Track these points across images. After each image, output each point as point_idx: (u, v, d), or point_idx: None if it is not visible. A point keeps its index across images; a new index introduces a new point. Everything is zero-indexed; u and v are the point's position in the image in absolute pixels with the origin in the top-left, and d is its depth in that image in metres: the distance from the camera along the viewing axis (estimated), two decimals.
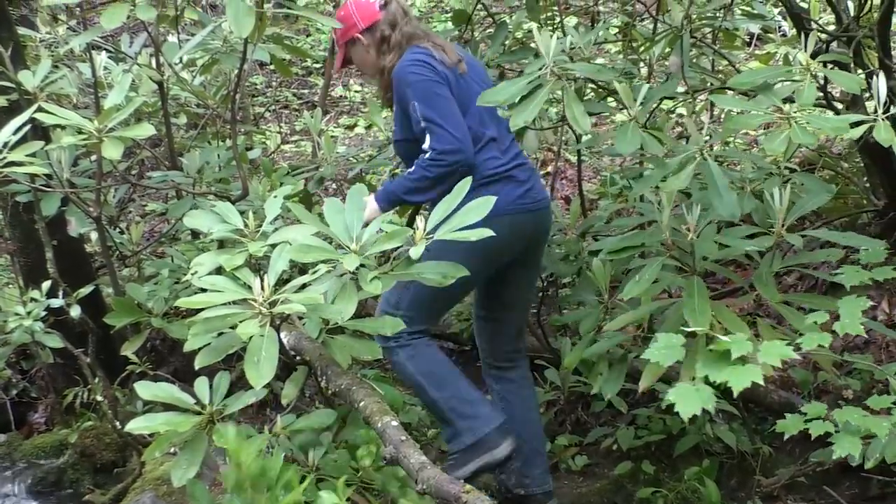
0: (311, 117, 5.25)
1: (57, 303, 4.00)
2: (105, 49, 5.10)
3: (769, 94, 3.27)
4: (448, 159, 3.66)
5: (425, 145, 3.73)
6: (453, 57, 3.89)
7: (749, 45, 8.63)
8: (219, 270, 3.08)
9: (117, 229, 5.48)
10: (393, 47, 3.95)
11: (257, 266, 3.12)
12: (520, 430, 4.05)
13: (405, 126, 3.86)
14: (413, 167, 3.75)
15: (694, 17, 4.18)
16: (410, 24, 4.01)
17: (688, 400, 2.74)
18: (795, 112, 3.13)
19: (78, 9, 5.38)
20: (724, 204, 3.28)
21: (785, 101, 3.24)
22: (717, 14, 4.46)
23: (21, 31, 4.88)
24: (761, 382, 2.69)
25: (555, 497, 4.23)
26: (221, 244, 3.66)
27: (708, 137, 3.51)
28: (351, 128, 9.86)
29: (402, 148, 4.02)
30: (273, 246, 3.06)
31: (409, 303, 3.75)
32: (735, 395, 2.73)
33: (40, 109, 3.32)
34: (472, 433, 3.74)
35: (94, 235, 4.80)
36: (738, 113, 3.33)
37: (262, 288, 2.85)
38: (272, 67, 5.18)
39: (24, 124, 3.32)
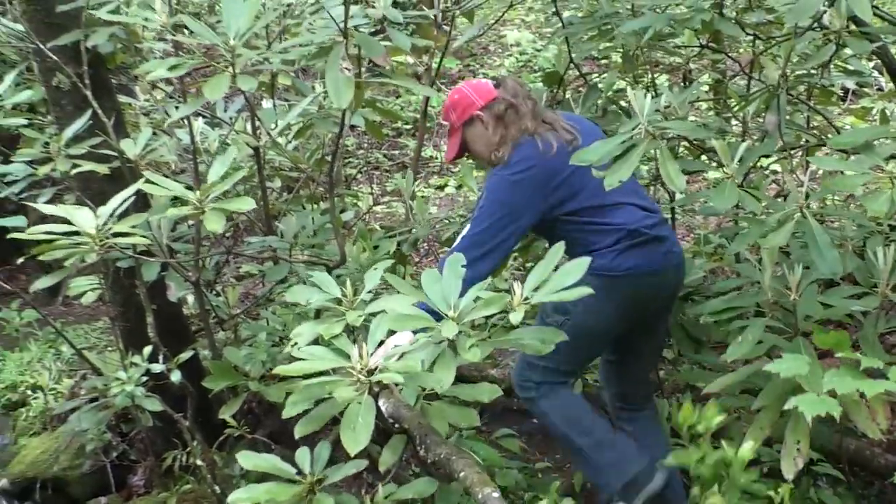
0: (403, 178, 5.29)
1: (158, 368, 4.04)
2: (201, 115, 5.19)
3: (871, 153, 3.22)
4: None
5: (458, 238, 3.86)
6: (564, 138, 3.90)
7: (844, 99, 8.54)
8: (317, 339, 3.10)
9: (214, 292, 5.55)
10: (510, 123, 3.95)
11: (352, 331, 3.14)
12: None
13: None
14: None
15: (789, 73, 4.14)
16: (528, 102, 4.00)
17: (813, 405, 2.69)
18: None
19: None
20: (826, 262, 3.22)
21: (888, 159, 3.20)
22: (813, 72, 4.41)
23: (121, 98, 4.99)
24: None
25: None
26: (319, 311, 3.68)
27: (806, 195, 3.46)
28: (441, 188, 9.90)
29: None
30: (371, 314, 3.08)
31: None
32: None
33: (146, 180, 3.39)
34: (621, 476, 3.88)
35: (190, 298, 4.86)
36: (840, 174, 3.28)
37: (361, 356, 2.85)
38: (363, 128, 5.24)
39: (130, 195, 3.40)
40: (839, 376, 2.74)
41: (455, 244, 3.84)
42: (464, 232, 3.86)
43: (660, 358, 4.62)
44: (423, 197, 7.19)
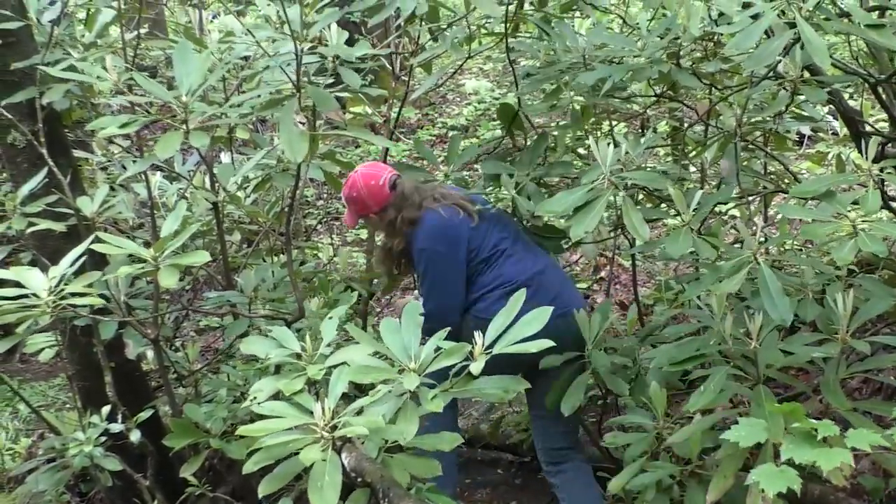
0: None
1: (116, 428, 3.99)
2: (160, 169, 5.16)
3: (832, 201, 3.25)
4: (432, 322, 3.78)
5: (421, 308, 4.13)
6: (466, 209, 4.39)
7: (800, 144, 8.61)
8: (277, 393, 3.07)
9: (173, 347, 5.50)
10: (398, 231, 4.43)
11: (314, 384, 3.11)
12: None
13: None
14: None
15: (745, 120, 4.18)
16: (418, 196, 4.43)
17: (773, 480, 2.68)
18: (861, 219, 3.11)
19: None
20: (777, 309, 3.25)
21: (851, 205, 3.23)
22: (768, 119, 4.45)
23: (77, 153, 4.96)
24: (851, 463, 2.62)
25: None
26: (279, 367, 3.65)
27: (763, 240, 3.48)
28: None
29: None
30: (331, 368, 3.05)
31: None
32: (824, 474, 2.67)
33: (98, 239, 3.35)
34: None
35: (150, 354, 4.81)
36: (808, 223, 3.30)
37: (323, 412, 2.82)
38: (323, 179, 5.26)
39: (82, 254, 3.36)
40: (797, 445, 2.74)
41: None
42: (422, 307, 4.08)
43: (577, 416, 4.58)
44: None
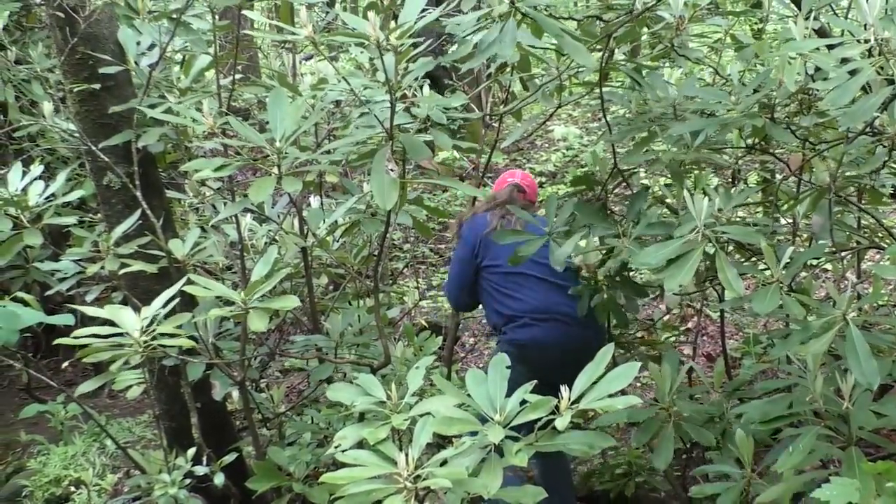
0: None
1: (201, 470, 4.02)
2: (249, 211, 5.22)
3: None
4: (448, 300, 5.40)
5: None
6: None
7: (894, 197, 8.43)
8: (361, 441, 3.07)
9: (258, 388, 5.54)
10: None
11: (399, 433, 3.11)
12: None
13: None
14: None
15: (839, 175, 4.11)
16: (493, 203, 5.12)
17: None
18: None
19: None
20: (864, 372, 3.17)
21: None
22: (864, 175, 4.37)
23: (170, 193, 5.04)
24: None
25: None
26: (363, 414, 3.66)
27: (856, 298, 3.40)
28: None
29: None
30: (416, 418, 3.05)
31: None
32: None
33: (189, 281, 3.40)
34: None
35: (235, 393, 4.85)
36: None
37: (407, 462, 2.82)
38: (410, 224, 5.31)
39: (174, 296, 3.40)
40: None
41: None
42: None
43: None
44: None
